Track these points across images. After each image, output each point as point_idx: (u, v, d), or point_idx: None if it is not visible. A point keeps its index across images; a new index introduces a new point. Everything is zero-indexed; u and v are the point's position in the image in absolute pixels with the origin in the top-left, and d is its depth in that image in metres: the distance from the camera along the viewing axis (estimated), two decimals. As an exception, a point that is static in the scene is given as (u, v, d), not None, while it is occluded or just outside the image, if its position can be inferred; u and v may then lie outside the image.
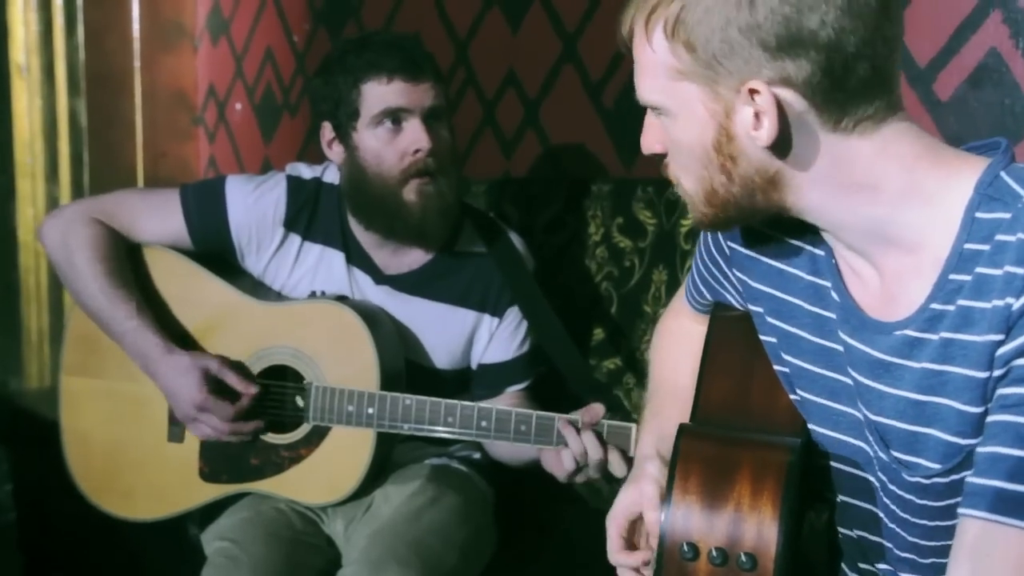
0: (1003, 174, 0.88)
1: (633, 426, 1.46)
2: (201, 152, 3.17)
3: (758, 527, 0.97)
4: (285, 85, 2.87)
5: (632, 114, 2.01)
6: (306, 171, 1.75)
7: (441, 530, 1.56)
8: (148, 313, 1.64)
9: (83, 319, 1.71)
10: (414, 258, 1.72)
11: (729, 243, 1.12)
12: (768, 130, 0.88)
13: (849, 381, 1.01)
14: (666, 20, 0.89)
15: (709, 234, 1.17)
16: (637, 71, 0.95)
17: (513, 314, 1.74)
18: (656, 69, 0.92)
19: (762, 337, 1.11)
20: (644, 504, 1.11)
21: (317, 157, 1.78)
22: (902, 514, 0.99)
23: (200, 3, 3.10)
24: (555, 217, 2.06)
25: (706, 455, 1.02)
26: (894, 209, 0.91)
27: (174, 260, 1.71)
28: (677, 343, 1.29)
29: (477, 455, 1.80)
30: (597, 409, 1.46)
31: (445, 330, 1.72)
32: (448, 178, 1.63)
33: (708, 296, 1.22)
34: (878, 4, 0.86)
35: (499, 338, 1.74)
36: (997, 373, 0.87)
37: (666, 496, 1.01)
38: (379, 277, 1.72)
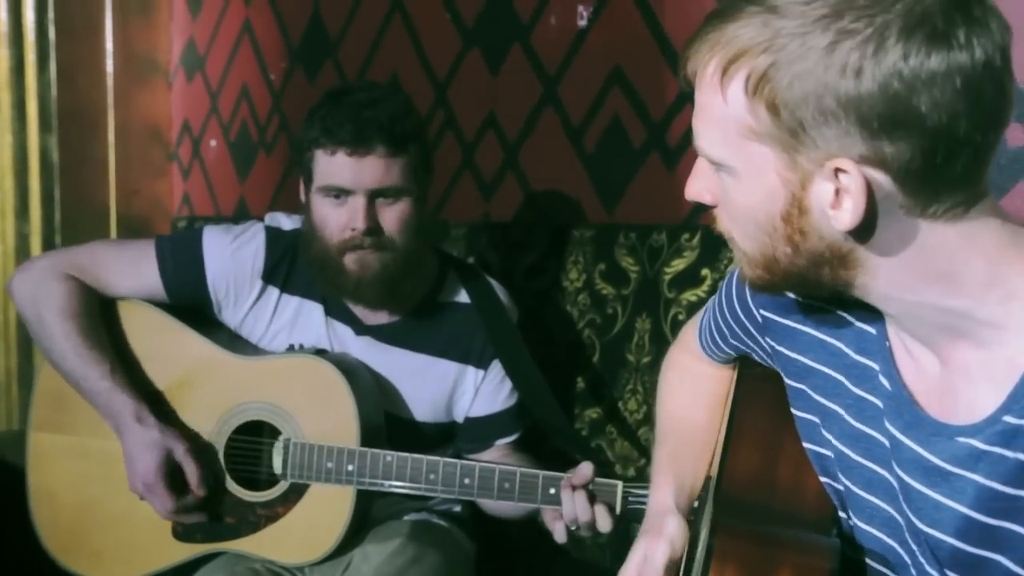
0: None
1: (619, 483, 1.44)
2: (175, 189, 3.13)
3: None
4: (261, 123, 2.84)
5: (613, 158, 2.01)
6: (285, 222, 1.71)
7: (422, 591, 1.52)
8: (121, 373, 1.60)
9: (52, 374, 1.66)
10: (395, 309, 1.69)
11: (762, 311, 1.05)
12: (851, 213, 0.78)
13: (890, 477, 0.92)
14: (750, 74, 0.78)
15: (735, 294, 1.09)
16: (700, 118, 0.85)
17: (498, 366, 1.71)
18: (726, 123, 0.82)
19: (796, 413, 1.03)
20: (647, 572, 1.07)
21: (292, 196, 1.75)
22: None
23: (175, 39, 3.07)
24: (536, 262, 2.03)
25: (743, 556, 0.94)
26: (973, 302, 0.81)
27: (149, 314, 1.67)
28: (690, 381, 1.24)
29: (458, 508, 1.77)
30: (586, 470, 1.43)
31: (427, 382, 1.69)
32: (394, 251, 1.57)
33: (728, 351, 1.16)
34: (994, 85, 0.75)
35: (485, 391, 1.71)
36: None
37: None
38: (359, 328, 1.68)
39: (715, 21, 0.82)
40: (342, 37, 2.59)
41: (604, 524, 1.41)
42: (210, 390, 1.62)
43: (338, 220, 1.55)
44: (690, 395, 1.22)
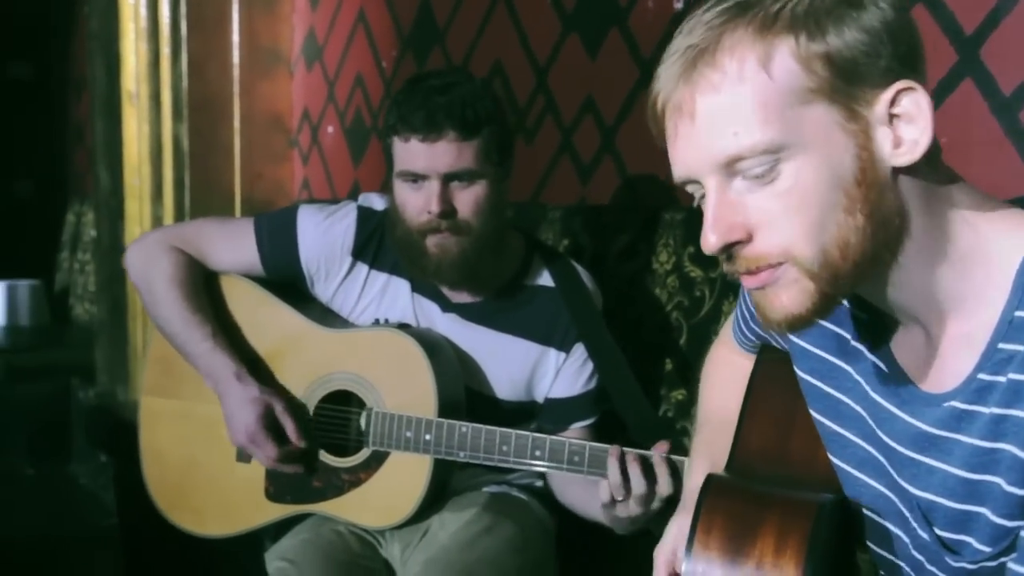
0: None
1: (686, 459, 1.43)
2: (296, 174, 3.27)
3: None
4: (374, 109, 2.94)
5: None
6: (377, 201, 1.78)
7: (494, 559, 1.56)
8: (222, 336, 1.71)
9: (162, 342, 1.78)
10: (481, 288, 1.73)
11: None
12: (925, 132, 0.80)
13: (876, 453, 0.95)
14: (796, 36, 0.80)
15: None
16: (732, 120, 0.81)
17: (581, 350, 1.72)
18: (777, 100, 0.81)
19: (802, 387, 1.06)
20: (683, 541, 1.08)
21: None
22: None
23: (296, 30, 3.20)
24: (628, 245, 2.04)
25: (730, 509, 0.98)
26: (960, 267, 0.84)
27: (247, 288, 1.77)
28: (727, 374, 1.26)
29: (539, 483, 1.80)
30: (660, 446, 1.43)
31: (508, 361, 1.73)
32: (470, 234, 1.60)
33: (753, 338, 1.19)
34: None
35: (565, 373, 1.73)
36: None
37: (687, 548, 0.97)
38: (446, 305, 1.74)
39: (719, 24, 0.83)
40: (449, 24, 2.65)
41: (664, 488, 1.39)
42: (300, 360, 1.71)
43: (416, 204, 1.60)
44: (724, 385, 1.25)
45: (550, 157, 2.36)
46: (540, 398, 1.75)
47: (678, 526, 1.11)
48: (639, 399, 1.68)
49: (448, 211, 1.58)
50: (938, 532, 0.91)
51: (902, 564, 0.98)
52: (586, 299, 1.73)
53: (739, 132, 0.81)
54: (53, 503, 3.56)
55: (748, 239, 0.84)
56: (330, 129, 3.10)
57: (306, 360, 1.71)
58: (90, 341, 3.67)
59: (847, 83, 0.80)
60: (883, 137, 0.81)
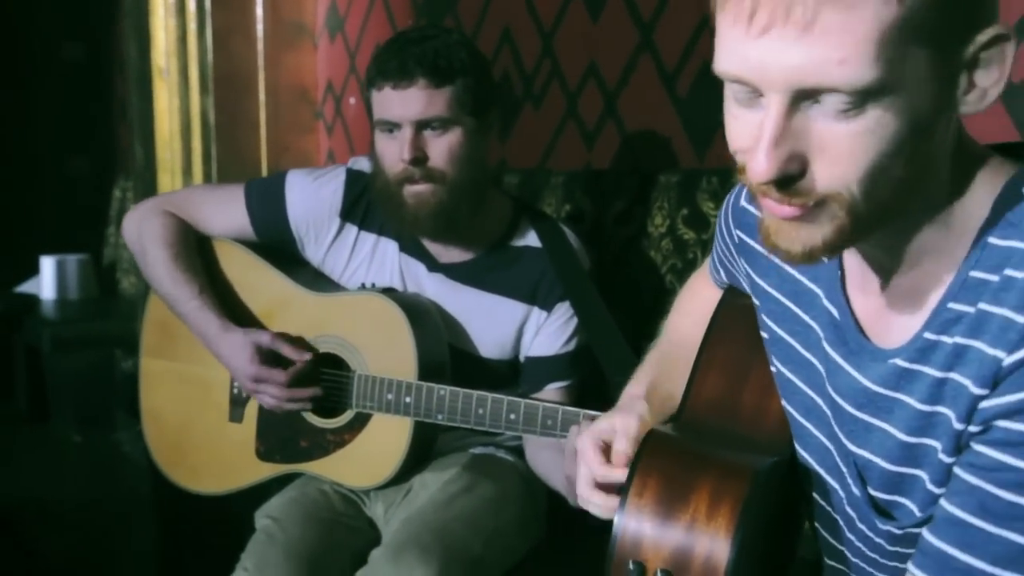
0: None
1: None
2: (322, 145, 3.31)
3: (708, 554, 0.90)
4: (393, 80, 2.95)
5: (706, 104, 1.97)
6: (366, 164, 1.80)
7: (470, 518, 1.58)
8: (210, 295, 1.75)
9: (159, 305, 1.84)
10: (467, 249, 1.74)
11: (737, 231, 1.06)
12: (995, 85, 0.74)
13: (823, 404, 0.93)
14: None
15: (722, 217, 1.10)
16: (840, 45, 0.70)
17: (562, 310, 1.73)
18: (894, 34, 0.70)
19: (762, 333, 1.04)
20: (618, 432, 1.03)
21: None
22: (870, 554, 0.92)
23: (320, 2, 3.23)
24: (625, 209, 2.03)
25: (667, 468, 0.96)
26: (938, 220, 0.80)
27: (237, 252, 1.81)
28: (696, 303, 1.25)
29: (529, 444, 1.81)
30: None
31: (495, 320, 1.74)
32: (444, 183, 1.61)
33: (724, 276, 1.18)
34: None
35: (545, 332, 1.73)
36: (974, 429, 0.78)
37: (620, 503, 0.95)
38: (433, 265, 1.75)
39: None
40: (461, -7, 2.66)
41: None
42: (288, 323, 1.74)
43: (391, 153, 1.62)
44: (692, 312, 1.23)
45: (557, 122, 2.36)
46: (522, 357, 1.76)
47: (608, 420, 1.06)
48: (628, 360, 1.67)
49: (419, 158, 1.60)
50: (871, 491, 0.89)
51: (837, 518, 0.97)
52: (572, 258, 1.73)
53: (847, 61, 0.69)
54: (97, 469, 3.69)
55: (802, 173, 0.75)
56: (352, 100, 3.12)
57: (293, 323, 1.74)
58: (135, 313, 3.77)
59: (964, 23, 0.72)
60: (961, 82, 0.74)
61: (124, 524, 3.18)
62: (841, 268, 0.91)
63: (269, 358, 1.68)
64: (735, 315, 1.10)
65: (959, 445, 0.79)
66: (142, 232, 1.79)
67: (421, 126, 1.60)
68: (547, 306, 1.73)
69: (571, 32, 2.31)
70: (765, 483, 0.94)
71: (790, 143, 0.73)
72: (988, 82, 0.74)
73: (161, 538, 2.98)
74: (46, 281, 4.36)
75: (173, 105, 3.26)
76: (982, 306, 0.77)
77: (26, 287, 4.48)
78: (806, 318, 0.95)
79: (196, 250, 1.80)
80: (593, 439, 1.05)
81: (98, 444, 3.82)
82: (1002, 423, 0.75)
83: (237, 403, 1.78)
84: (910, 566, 0.81)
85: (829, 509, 0.97)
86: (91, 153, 5.21)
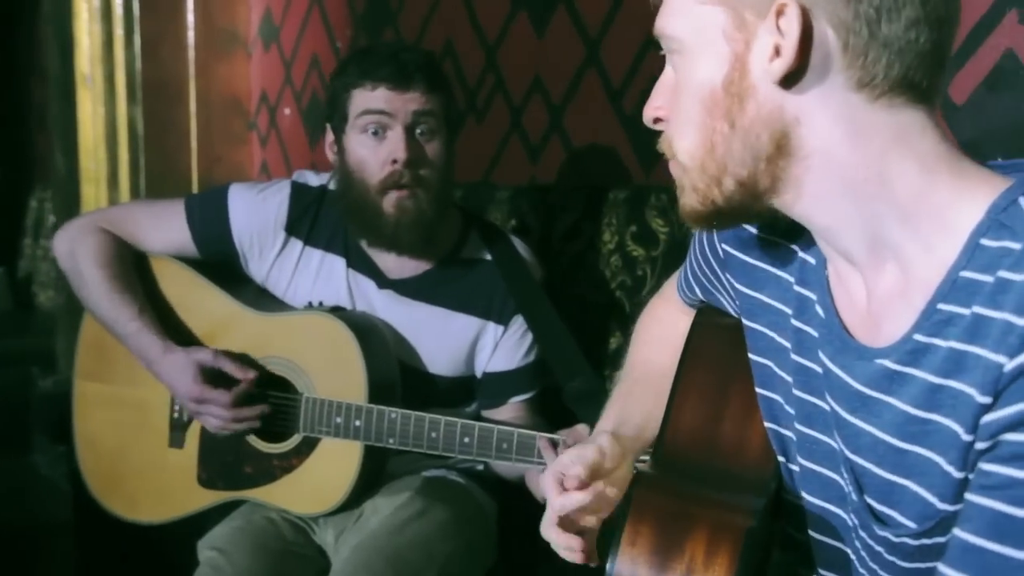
0: (1022, 200, 0.76)
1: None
2: (255, 157, 3.23)
3: None
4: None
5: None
6: (313, 178, 1.76)
7: (423, 544, 1.54)
8: (150, 316, 1.68)
9: (94, 325, 1.76)
10: (418, 263, 1.71)
11: (724, 245, 1.04)
12: (785, 59, 0.78)
13: (826, 407, 0.91)
14: None
15: (701, 233, 1.08)
16: (664, 4, 0.87)
17: (519, 323, 1.71)
18: None
19: (753, 358, 1.02)
20: (574, 460, 1.03)
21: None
22: (871, 563, 0.90)
23: (253, 10, 3.15)
24: (573, 225, 2.02)
25: (660, 510, 0.94)
26: (901, 213, 0.80)
27: (177, 270, 1.74)
28: (660, 330, 1.23)
29: (480, 466, 1.78)
30: (581, 430, 1.42)
31: (447, 336, 1.71)
32: (429, 192, 1.61)
33: (700, 295, 1.16)
34: None
35: (504, 347, 1.71)
36: (981, 446, 0.75)
37: (612, 551, 0.92)
38: (382, 281, 1.71)
39: None
40: (401, 5, 2.61)
41: None
42: (231, 344, 1.68)
43: (378, 156, 1.59)
44: (657, 340, 1.21)
45: (500, 136, 2.34)
46: (479, 372, 1.73)
47: (573, 452, 1.05)
48: (582, 370, 1.66)
49: (415, 159, 1.58)
50: (867, 500, 0.87)
51: (847, 520, 0.94)
52: (524, 271, 1.71)
53: (662, 15, 0.86)
54: (12, 494, 3.53)
55: (667, 119, 0.88)
56: (287, 111, 3.06)
57: (238, 344, 1.68)
58: (53, 328, 3.62)
59: None
60: (764, 47, 0.79)
61: (42, 555, 3.04)
62: (826, 270, 0.91)
63: (212, 378, 1.62)
64: (709, 337, 1.08)
65: (967, 461, 0.77)
66: (75, 251, 1.71)
67: (411, 130, 1.59)
68: (503, 320, 1.70)
69: (515, 46, 2.30)
70: (759, 528, 0.93)
71: (659, 92, 0.89)
72: (786, 49, 0.78)
73: (84, 570, 2.86)
74: (-44, 294, 4.18)
75: (98, 113, 3.15)
76: (978, 310, 0.75)
77: (-66, 300, 4.29)
78: (799, 323, 0.94)
79: (134, 269, 1.73)
80: (554, 475, 1.04)
81: (13, 468, 3.65)
82: (1009, 436, 0.73)
83: (177, 427, 1.72)
84: None
85: (841, 514, 0.94)
86: (3, 161, 5.00)
